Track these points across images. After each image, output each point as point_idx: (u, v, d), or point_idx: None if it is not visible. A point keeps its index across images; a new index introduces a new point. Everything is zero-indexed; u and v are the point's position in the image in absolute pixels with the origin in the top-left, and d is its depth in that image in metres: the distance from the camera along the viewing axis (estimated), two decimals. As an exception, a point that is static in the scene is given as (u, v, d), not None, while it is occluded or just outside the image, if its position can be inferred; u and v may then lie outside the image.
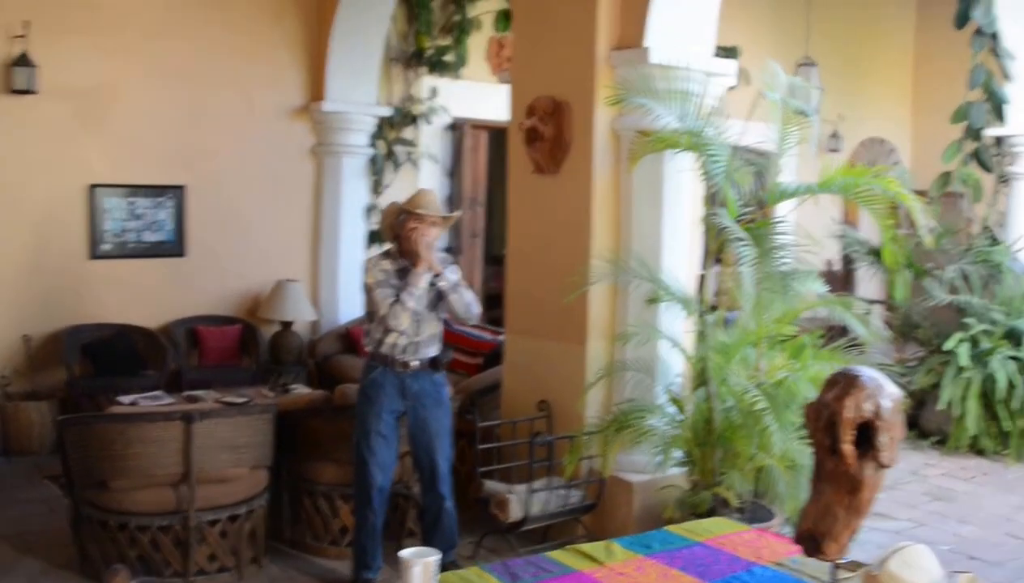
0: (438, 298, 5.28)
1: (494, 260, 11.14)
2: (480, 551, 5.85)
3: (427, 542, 5.33)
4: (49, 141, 8.02)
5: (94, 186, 8.24)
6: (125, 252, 8.45)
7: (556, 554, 3.73)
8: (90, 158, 8.22)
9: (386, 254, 5.33)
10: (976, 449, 8.42)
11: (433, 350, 5.35)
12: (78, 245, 8.25)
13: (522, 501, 5.60)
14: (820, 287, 6.02)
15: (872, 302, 11.27)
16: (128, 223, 8.44)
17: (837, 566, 3.22)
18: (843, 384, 3.02)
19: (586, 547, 3.79)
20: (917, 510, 7.00)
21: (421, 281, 5.13)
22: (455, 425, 5.87)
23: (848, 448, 2.98)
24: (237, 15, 8.84)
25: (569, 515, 5.88)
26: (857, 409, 2.98)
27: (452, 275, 5.29)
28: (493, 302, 10.22)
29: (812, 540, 3.03)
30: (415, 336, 5.24)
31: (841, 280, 12.47)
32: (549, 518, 5.76)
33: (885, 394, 3.03)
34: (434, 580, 2.94)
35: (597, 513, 5.98)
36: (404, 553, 2.96)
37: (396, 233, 5.29)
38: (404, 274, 5.17)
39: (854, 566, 3.50)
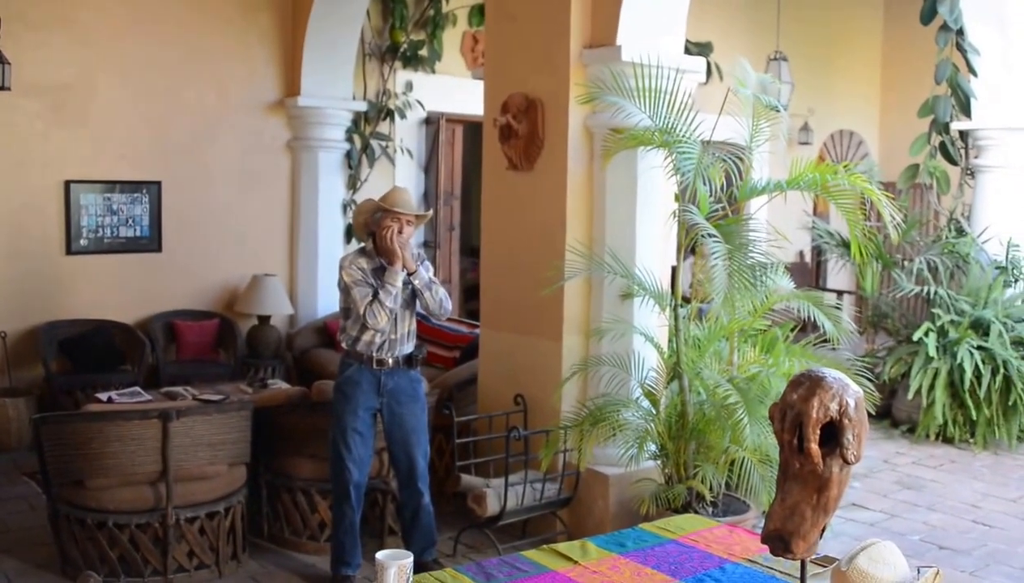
0: (413, 295, 5.34)
1: (471, 252, 11.22)
2: (459, 548, 5.92)
3: (407, 541, 5.40)
4: (23, 138, 8.01)
5: (69, 182, 8.24)
6: (101, 248, 8.46)
7: (531, 553, 3.76)
8: (65, 154, 8.21)
9: (361, 251, 5.35)
10: (944, 437, 8.56)
11: (409, 347, 5.40)
12: (54, 241, 8.25)
13: (499, 495, 5.67)
14: (787, 282, 6.10)
15: (842, 293, 11.43)
16: (104, 219, 8.44)
17: (806, 562, 3.28)
18: (808, 384, 3.05)
19: (561, 546, 3.83)
20: (888, 499, 7.12)
21: (398, 280, 5.18)
22: (432, 420, 5.93)
23: (815, 448, 3.02)
24: (212, 10, 8.84)
25: (546, 509, 5.96)
26: (823, 409, 3.02)
27: (425, 272, 5.35)
28: (471, 293, 10.29)
29: (780, 540, 3.07)
30: (392, 334, 5.28)
31: (812, 271, 12.61)
32: (526, 512, 5.84)
33: (850, 393, 3.08)
34: (408, 581, 2.99)
35: (574, 506, 6.07)
36: (380, 555, 3.02)
37: (371, 230, 5.33)
38: (380, 273, 5.21)
39: (824, 561, 3.58)
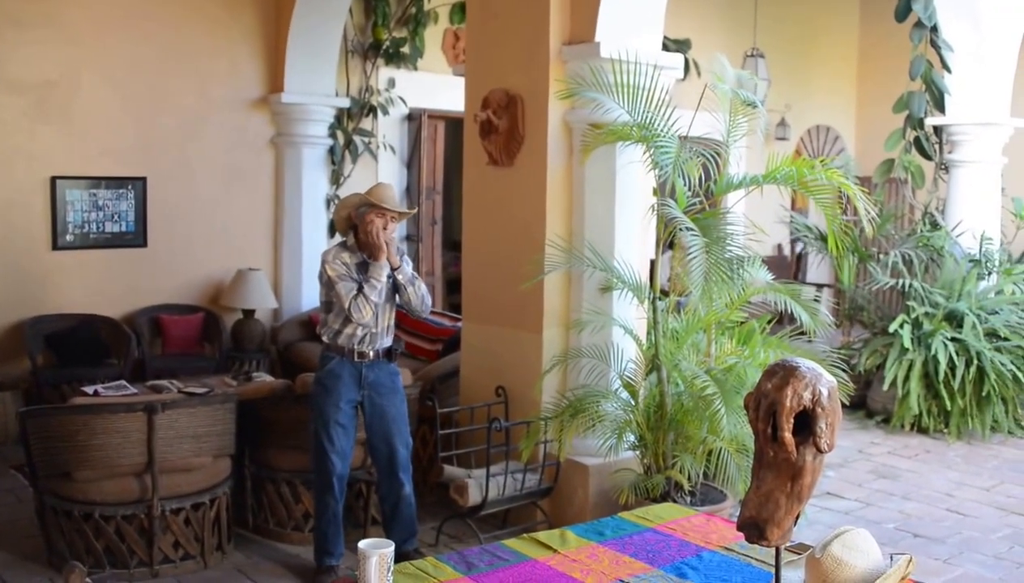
0: (394, 290, 5.40)
1: (453, 246, 11.29)
2: (442, 537, 5.99)
3: (388, 531, 5.46)
4: (9, 134, 8.04)
5: (55, 178, 8.27)
6: (87, 243, 8.50)
7: (511, 542, 3.81)
8: (51, 151, 8.24)
9: (343, 246, 5.39)
10: (919, 428, 8.69)
11: (388, 340, 5.46)
12: (40, 236, 8.27)
13: (480, 485, 5.75)
14: (765, 275, 6.19)
15: (821, 286, 11.54)
16: (90, 214, 8.48)
17: (781, 550, 3.35)
18: (782, 374, 3.09)
19: (541, 535, 3.88)
20: (864, 489, 7.23)
21: (383, 275, 5.24)
22: (417, 411, 5.99)
23: (788, 436, 3.08)
24: (196, 8, 8.87)
25: (527, 499, 6.03)
26: (796, 398, 3.07)
27: (408, 268, 5.42)
28: (453, 287, 10.36)
29: (755, 527, 3.11)
30: (373, 327, 5.34)
31: (791, 265, 12.72)
32: (507, 502, 5.91)
33: (823, 382, 3.13)
34: (389, 570, 3.06)
35: (554, 496, 6.15)
36: (362, 544, 3.07)
37: (353, 225, 5.38)
38: (363, 267, 5.27)
39: (799, 549, 3.65)
